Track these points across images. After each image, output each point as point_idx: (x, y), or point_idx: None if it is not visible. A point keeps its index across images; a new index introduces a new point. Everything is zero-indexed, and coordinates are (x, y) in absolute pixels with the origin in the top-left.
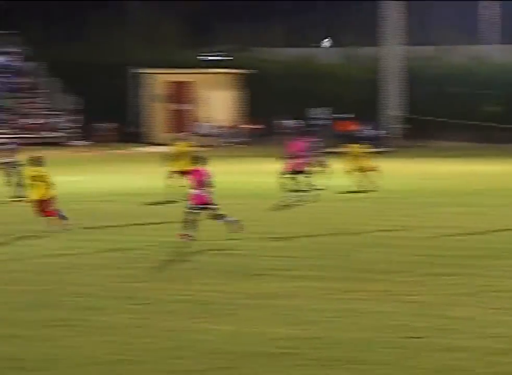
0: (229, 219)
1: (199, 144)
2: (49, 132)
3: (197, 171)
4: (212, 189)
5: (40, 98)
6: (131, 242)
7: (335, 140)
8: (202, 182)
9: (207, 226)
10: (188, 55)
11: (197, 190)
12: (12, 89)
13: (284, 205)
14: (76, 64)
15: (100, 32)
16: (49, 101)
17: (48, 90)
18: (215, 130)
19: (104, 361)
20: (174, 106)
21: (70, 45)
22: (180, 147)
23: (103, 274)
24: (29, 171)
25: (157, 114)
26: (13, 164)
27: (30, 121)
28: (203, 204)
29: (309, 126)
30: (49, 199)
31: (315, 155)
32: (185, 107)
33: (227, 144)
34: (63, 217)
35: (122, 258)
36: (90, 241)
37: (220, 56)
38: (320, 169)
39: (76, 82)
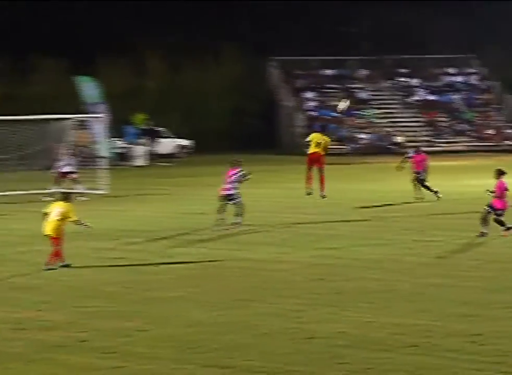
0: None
1: None
2: (504, 141)
3: (502, 182)
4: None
5: (497, 112)
6: None
7: None
8: (504, 192)
9: None
10: None
11: (499, 198)
12: (472, 104)
13: None
14: None
15: None
16: (504, 115)
17: (503, 105)
18: None
19: None
20: None
21: None
22: None
23: None
24: None
25: None
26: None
27: (488, 131)
28: (499, 209)
29: None
30: None
31: None
32: None
33: None
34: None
35: None
36: None
37: None
38: None
39: None
